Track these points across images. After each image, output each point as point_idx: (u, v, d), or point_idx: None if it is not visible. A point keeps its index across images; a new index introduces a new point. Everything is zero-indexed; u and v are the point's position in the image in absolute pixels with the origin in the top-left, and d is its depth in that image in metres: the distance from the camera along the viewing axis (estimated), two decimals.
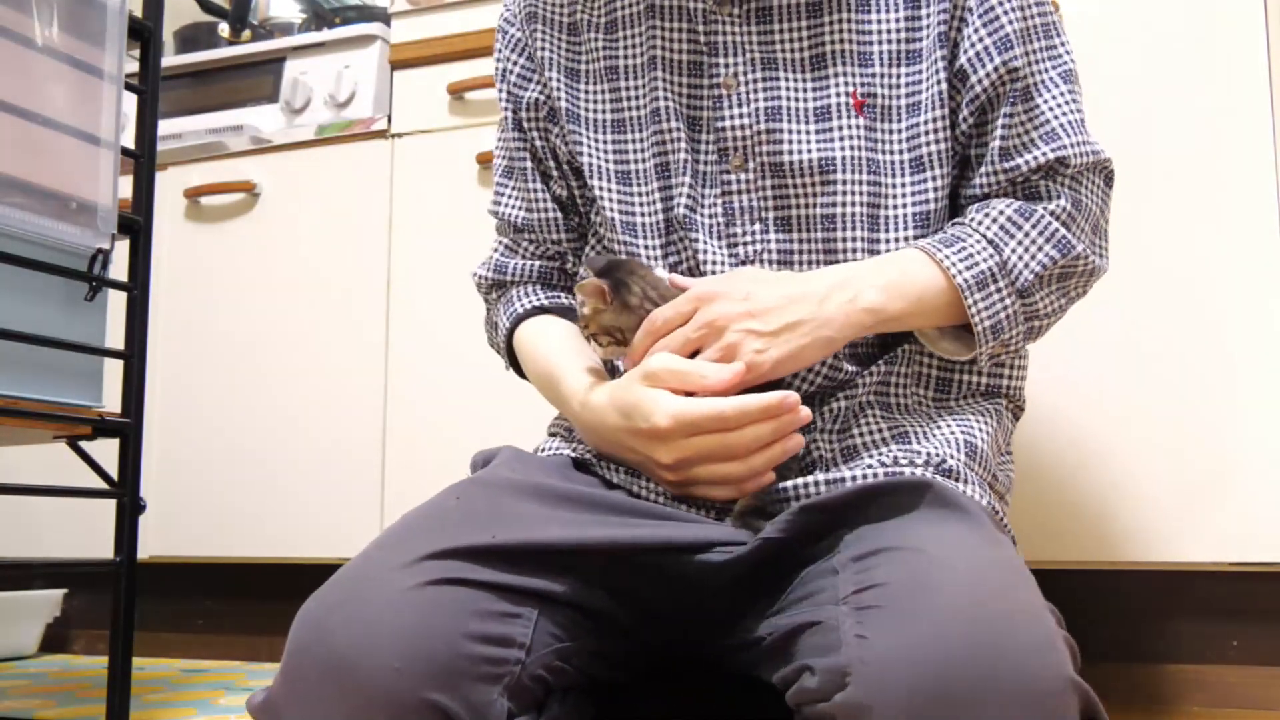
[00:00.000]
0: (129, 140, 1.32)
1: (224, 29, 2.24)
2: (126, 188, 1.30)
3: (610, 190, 1.06)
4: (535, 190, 1.13)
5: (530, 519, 0.85)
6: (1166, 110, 1.46)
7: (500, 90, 1.15)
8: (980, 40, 1.00)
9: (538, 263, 1.14)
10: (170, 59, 2.13)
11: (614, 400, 0.93)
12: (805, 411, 0.87)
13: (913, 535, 0.78)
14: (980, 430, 0.97)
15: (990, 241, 0.96)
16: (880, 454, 0.93)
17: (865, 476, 0.90)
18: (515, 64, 1.12)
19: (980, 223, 0.97)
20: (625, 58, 1.07)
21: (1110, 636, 1.43)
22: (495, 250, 1.18)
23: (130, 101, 1.33)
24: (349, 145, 1.95)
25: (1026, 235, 0.97)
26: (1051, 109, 1.01)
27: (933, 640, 0.67)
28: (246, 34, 2.22)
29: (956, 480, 0.90)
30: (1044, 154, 0.99)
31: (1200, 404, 1.41)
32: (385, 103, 1.94)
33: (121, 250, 1.30)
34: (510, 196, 1.15)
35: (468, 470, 1.82)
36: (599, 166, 1.07)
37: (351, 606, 0.75)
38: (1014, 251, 0.96)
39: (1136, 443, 1.43)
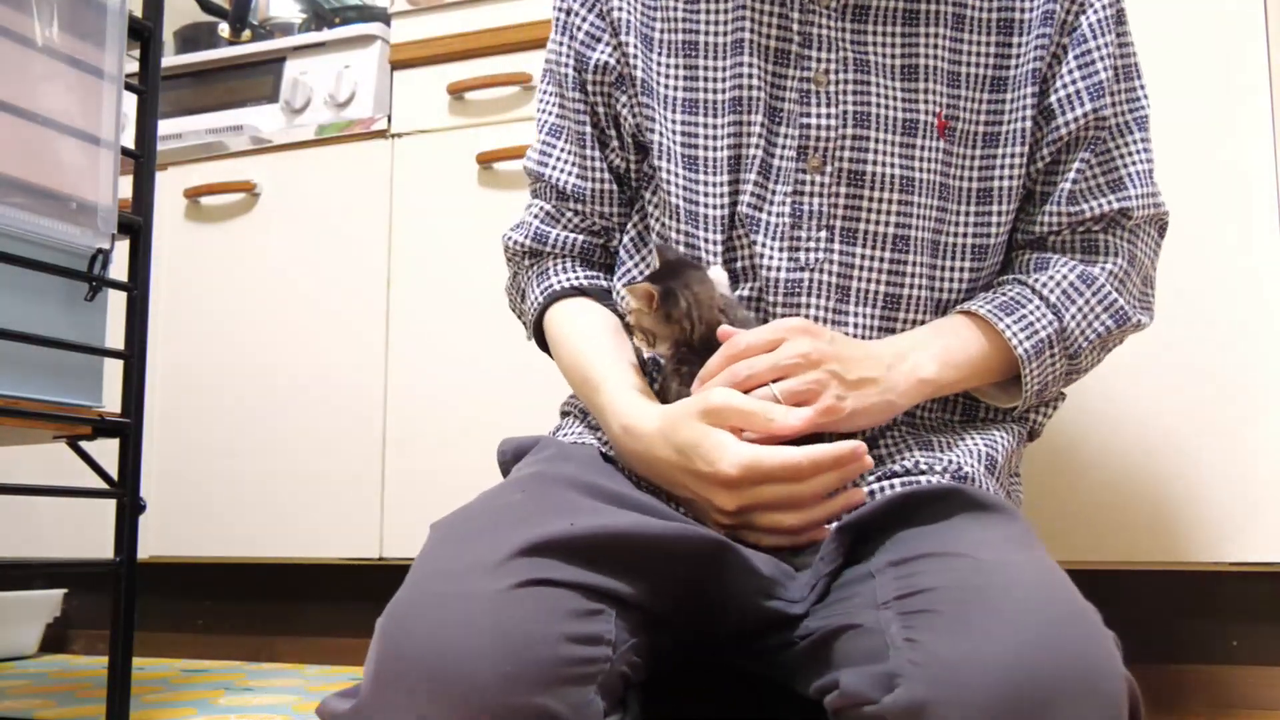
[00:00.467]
0: (129, 140, 1.32)
1: (224, 29, 2.24)
2: (126, 188, 1.30)
3: (677, 175, 1.01)
4: (593, 158, 1.07)
5: (600, 513, 0.83)
6: (1168, 111, 1.45)
7: (560, 43, 1.08)
8: (1074, 83, 0.99)
9: (581, 236, 1.09)
10: (170, 59, 2.13)
11: (666, 433, 0.89)
12: (869, 460, 0.87)
13: (955, 540, 0.78)
14: (1001, 445, 0.98)
15: (1052, 306, 0.97)
16: (903, 460, 0.94)
17: (883, 488, 0.90)
18: (584, 19, 1.06)
19: (1044, 284, 0.98)
20: (707, 34, 1.01)
21: None
22: (534, 216, 1.10)
23: (130, 101, 1.33)
24: (349, 145, 1.95)
25: (1086, 303, 0.98)
26: (1124, 157, 1.01)
27: (1005, 643, 0.68)
28: (246, 34, 2.22)
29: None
30: (1109, 203, 1.00)
31: (1202, 404, 1.41)
32: (385, 103, 1.94)
33: (121, 250, 1.30)
34: (561, 159, 1.09)
35: (468, 470, 1.83)
36: (667, 148, 1.02)
37: (449, 610, 0.71)
38: (1073, 318, 0.98)
39: (1135, 443, 1.43)
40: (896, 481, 0.91)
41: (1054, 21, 0.99)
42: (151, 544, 1.94)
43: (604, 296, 1.08)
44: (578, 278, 1.08)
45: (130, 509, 1.27)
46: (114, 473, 1.28)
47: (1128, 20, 1.04)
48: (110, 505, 1.28)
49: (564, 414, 1.09)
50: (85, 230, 1.24)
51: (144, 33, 1.34)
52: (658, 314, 0.93)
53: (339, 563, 1.87)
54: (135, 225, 1.32)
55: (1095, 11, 1.00)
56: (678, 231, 1.02)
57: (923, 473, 0.92)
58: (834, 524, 0.86)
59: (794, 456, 0.84)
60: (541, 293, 1.08)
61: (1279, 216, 1.39)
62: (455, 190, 1.85)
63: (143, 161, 1.33)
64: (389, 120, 1.92)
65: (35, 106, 1.19)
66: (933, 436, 0.98)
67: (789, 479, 0.84)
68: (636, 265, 1.08)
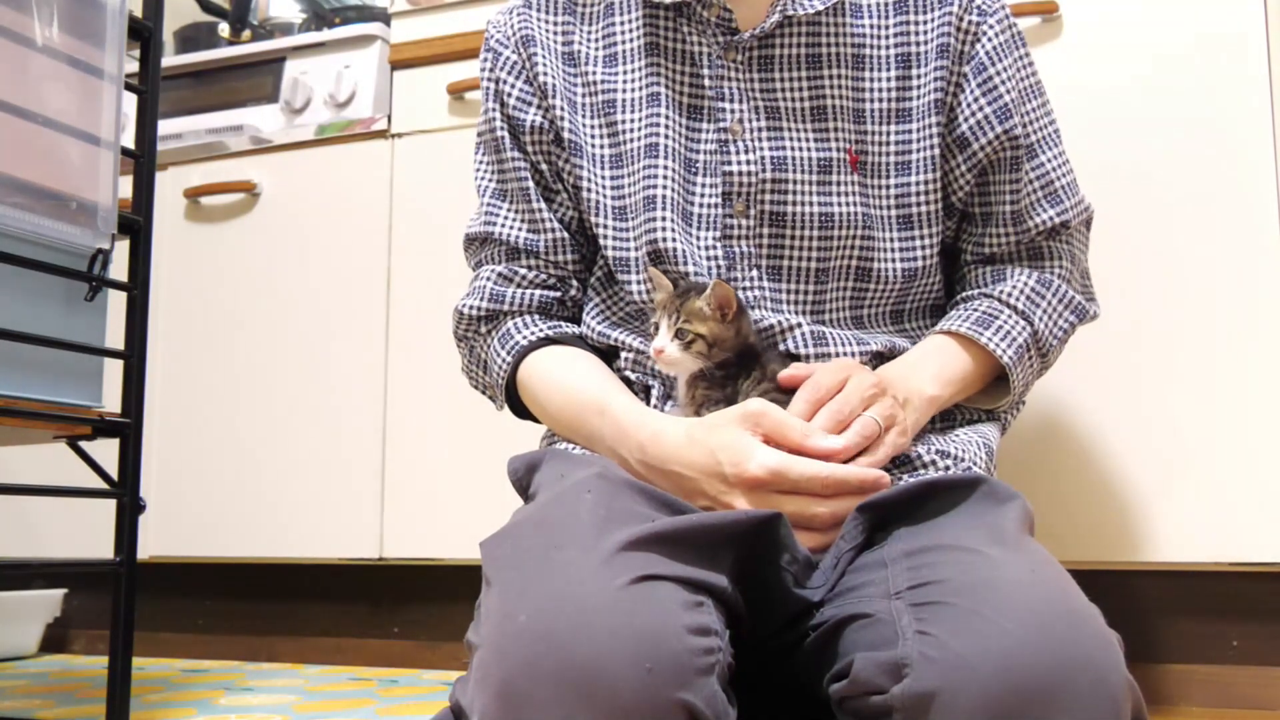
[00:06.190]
0: (129, 140, 1.32)
1: (224, 29, 2.24)
2: (126, 188, 1.30)
3: (608, 227, 1.06)
4: (539, 211, 1.09)
5: (671, 508, 0.84)
6: (1168, 112, 1.45)
7: (492, 111, 1.11)
8: (981, 109, 1.04)
9: (537, 292, 1.10)
10: (170, 59, 2.13)
11: (699, 436, 0.90)
12: (886, 479, 0.89)
13: (969, 534, 0.80)
14: (993, 436, 1.04)
15: (1021, 313, 1.03)
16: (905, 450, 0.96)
17: (900, 478, 0.93)
18: (513, 86, 1.10)
19: (1008, 294, 1.04)
20: (624, 91, 1.06)
21: None
22: (486, 280, 1.11)
23: (130, 101, 1.32)
24: (349, 145, 1.95)
25: (1050, 304, 1.05)
26: (1051, 170, 1.08)
27: (1013, 637, 0.69)
28: (246, 34, 2.22)
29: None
30: (1050, 218, 1.06)
31: (1201, 405, 1.41)
32: (385, 103, 1.94)
33: (121, 250, 1.30)
34: (508, 217, 1.11)
35: (468, 470, 1.83)
36: (599, 203, 1.06)
37: (578, 615, 0.70)
38: (1041, 321, 1.04)
39: (1136, 443, 1.43)
40: (901, 472, 0.94)
41: (950, 53, 1.04)
42: (151, 544, 1.94)
43: (575, 343, 1.08)
44: (543, 330, 1.08)
45: (130, 509, 1.27)
46: (114, 473, 1.28)
47: (1024, 42, 1.09)
48: (110, 505, 1.28)
49: (551, 443, 1.09)
50: (85, 230, 1.24)
51: (144, 33, 1.34)
52: (730, 324, 0.95)
53: (339, 563, 1.87)
54: (135, 225, 1.32)
55: (990, 39, 1.05)
56: (617, 280, 1.06)
57: (929, 463, 0.95)
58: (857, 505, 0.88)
59: (821, 470, 0.86)
60: (509, 352, 1.08)
61: (1279, 216, 1.39)
62: (455, 190, 1.85)
63: (143, 161, 1.33)
64: (389, 120, 1.92)
65: (35, 106, 1.19)
66: (925, 432, 1.01)
67: (813, 493, 0.86)
68: (605, 301, 1.10)
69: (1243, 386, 1.39)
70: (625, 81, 1.06)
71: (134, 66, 1.38)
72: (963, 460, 0.96)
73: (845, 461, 0.88)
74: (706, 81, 1.03)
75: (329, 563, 1.88)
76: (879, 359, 1.03)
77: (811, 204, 1.01)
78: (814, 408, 0.91)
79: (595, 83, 1.07)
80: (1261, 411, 1.38)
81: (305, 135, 1.98)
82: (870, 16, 1.05)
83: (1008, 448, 1.20)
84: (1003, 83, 1.04)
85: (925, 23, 1.05)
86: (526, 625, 0.71)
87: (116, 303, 1.31)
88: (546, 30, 1.09)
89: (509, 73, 1.10)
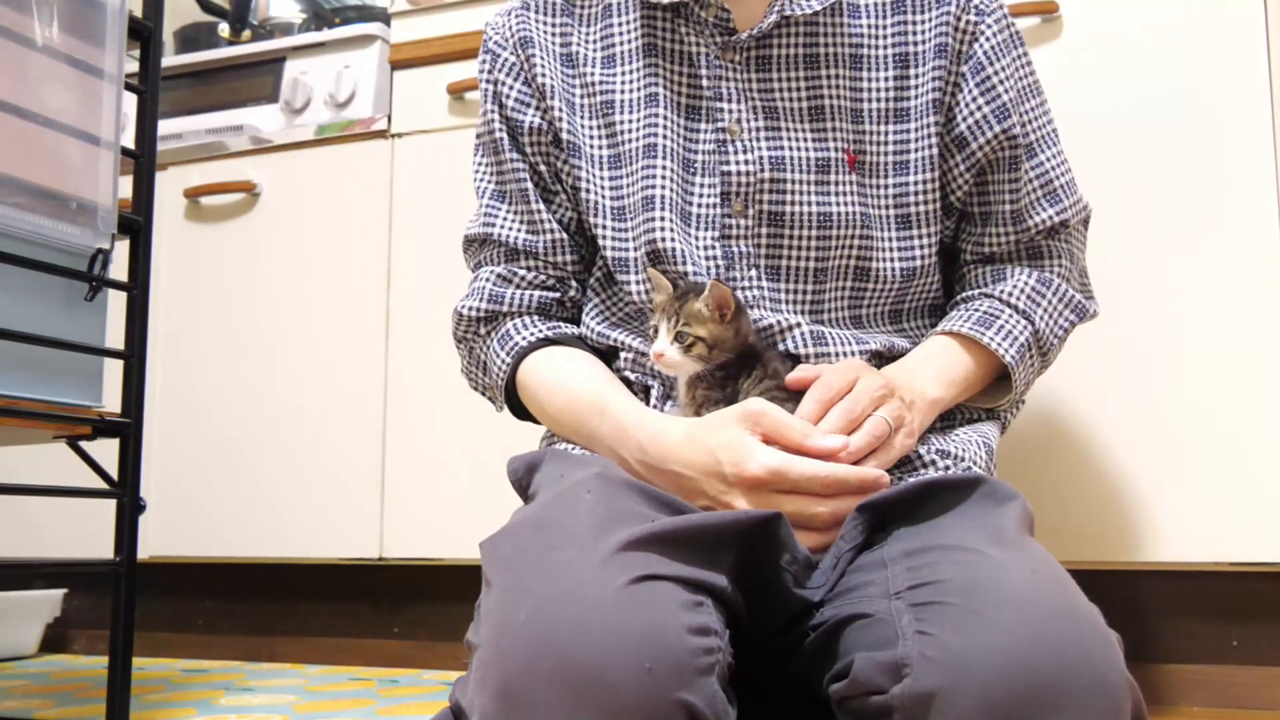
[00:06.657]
0: (129, 140, 1.32)
1: (224, 29, 2.24)
2: (126, 188, 1.30)
3: (607, 227, 1.06)
4: (539, 212, 1.09)
5: (671, 508, 0.84)
6: (1168, 113, 1.46)
7: (490, 112, 1.11)
8: (979, 109, 1.04)
9: (536, 293, 1.10)
10: (170, 59, 2.13)
11: (699, 435, 0.90)
12: (886, 479, 0.89)
13: (969, 534, 0.80)
14: (993, 435, 1.04)
15: (1022, 313, 1.04)
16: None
17: (900, 478, 0.93)
18: (511, 88, 1.10)
19: (1009, 294, 1.05)
20: (622, 91, 1.06)
21: None
22: (485, 281, 1.11)
23: (130, 101, 1.33)
24: (349, 145, 1.95)
25: (1050, 304, 1.05)
26: (1050, 170, 1.08)
27: (1013, 637, 0.69)
28: (246, 34, 2.22)
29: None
30: (1050, 217, 1.07)
31: (1201, 405, 1.41)
32: (385, 103, 1.94)
33: (121, 250, 1.30)
34: (507, 218, 1.11)
35: (468, 470, 1.83)
36: (598, 204, 1.06)
37: (577, 614, 0.70)
38: (1042, 320, 1.04)
39: (1136, 443, 1.43)
40: (901, 471, 0.94)
41: (948, 53, 1.03)
42: (151, 544, 1.94)
43: (575, 343, 1.08)
44: (542, 330, 1.08)
45: (130, 509, 1.27)
46: (114, 473, 1.28)
47: (1022, 42, 1.08)
48: (110, 505, 1.28)
49: (551, 443, 1.09)
50: (85, 230, 1.24)
51: (144, 33, 1.34)
52: (729, 325, 0.95)
53: (339, 563, 1.87)
54: (135, 225, 1.31)
55: (988, 39, 1.05)
56: (616, 280, 1.06)
57: (929, 463, 0.95)
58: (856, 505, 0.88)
59: (821, 470, 0.86)
60: (508, 353, 1.07)
61: (1279, 216, 1.39)
62: (455, 190, 1.85)
63: (143, 161, 1.33)
64: (389, 120, 1.92)
65: (35, 106, 1.19)
66: (926, 431, 1.01)
67: (813, 492, 0.86)
68: (604, 301, 1.10)
69: (1242, 386, 1.39)
70: (623, 82, 1.06)
71: (134, 66, 1.38)
72: (963, 460, 0.96)
73: (856, 463, 0.88)
74: (704, 82, 1.04)
75: (329, 563, 1.88)
76: (878, 358, 1.02)
77: (810, 204, 1.01)
78: (824, 408, 0.91)
79: (593, 84, 1.08)
80: (1261, 412, 1.38)
81: (305, 135, 1.98)
82: (868, 16, 1.05)
83: (1008, 448, 1.20)
84: (1000, 82, 1.04)
85: (923, 22, 1.05)
86: (526, 625, 0.71)
87: (116, 303, 1.31)
88: (545, 31, 1.09)
89: (507, 74, 1.10)
